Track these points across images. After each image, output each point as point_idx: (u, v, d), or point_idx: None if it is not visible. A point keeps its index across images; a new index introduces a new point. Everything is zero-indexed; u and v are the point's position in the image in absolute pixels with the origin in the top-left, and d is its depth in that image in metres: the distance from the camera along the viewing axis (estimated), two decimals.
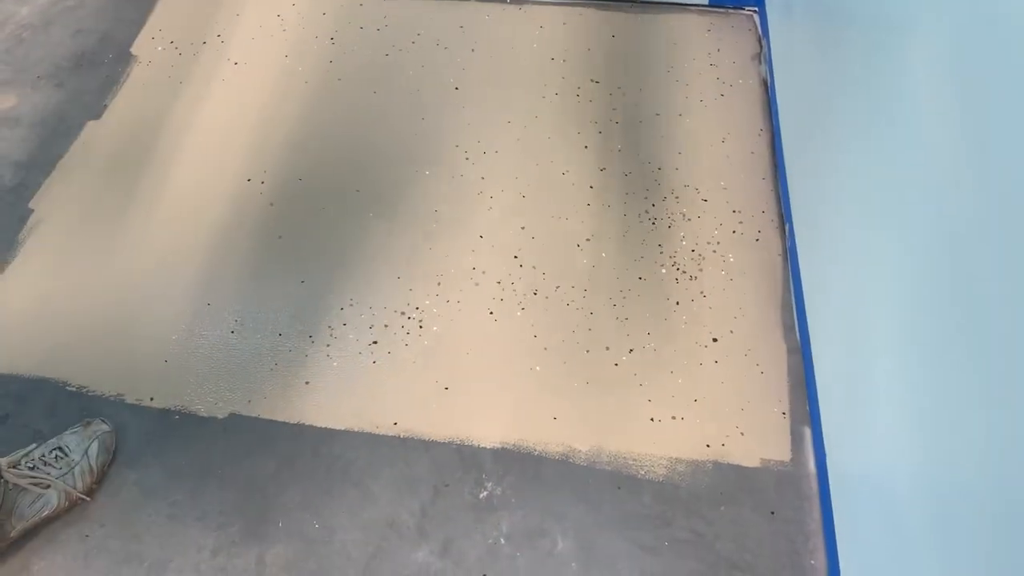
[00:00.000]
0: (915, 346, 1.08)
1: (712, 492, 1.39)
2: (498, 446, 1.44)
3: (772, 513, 1.37)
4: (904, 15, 1.20)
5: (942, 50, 1.06)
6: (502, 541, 1.35)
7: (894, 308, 1.16)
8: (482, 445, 1.44)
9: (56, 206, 1.76)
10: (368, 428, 1.46)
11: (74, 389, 1.51)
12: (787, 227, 1.68)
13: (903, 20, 1.20)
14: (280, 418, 1.48)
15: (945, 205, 1.02)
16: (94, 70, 2.02)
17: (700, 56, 2.05)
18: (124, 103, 1.95)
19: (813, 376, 1.46)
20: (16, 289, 1.64)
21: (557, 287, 1.63)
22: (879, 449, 1.19)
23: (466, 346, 1.56)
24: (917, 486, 1.05)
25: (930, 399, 1.03)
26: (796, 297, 1.58)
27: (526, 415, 1.48)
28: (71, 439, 1.39)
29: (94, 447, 1.39)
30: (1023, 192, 0.81)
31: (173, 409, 1.49)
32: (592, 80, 1.99)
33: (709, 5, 2.15)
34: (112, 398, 1.50)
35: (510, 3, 2.18)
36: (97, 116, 1.92)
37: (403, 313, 1.60)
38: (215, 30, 2.11)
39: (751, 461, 1.42)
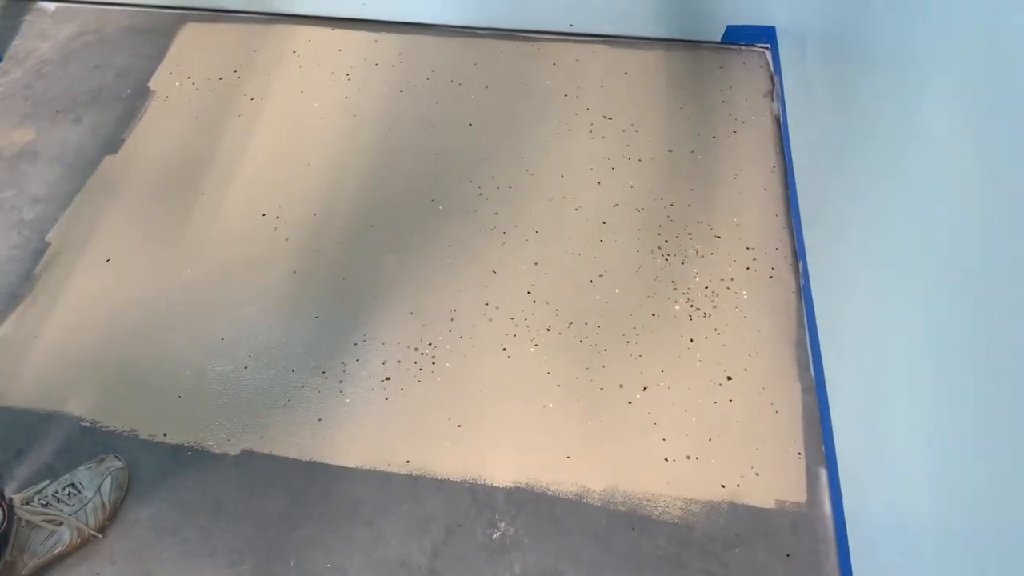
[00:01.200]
0: (935, 387, 1.07)
1: (727, 534, 1.38)
2: (511, 485, 1.43)
3: (788, 556, 1.36)
4: (920, 55, 1.20)
5: (958, 89, 1.06)
6: None
7: (913, 348, 1.15)
8: (495, 484, 1.44)
9: (73, 240, 1.77)
10: (380, 466, 1.46)
11: (88, 424, 1.51)
12: (801, 264, 1.68)
13: (919, 60, 1.21)
14: (292, 455, 1.47)
15: (963, 243, 1.01)
16: (112, 105, 2.04)
17: (712, 93, 2.06)
18: (141, 138, 1.97)
19: (829, 416, 1.45)
20: (31, 323, 1.64)
21: (570, 323, 1.63)
22: (899, 492, 1.17)
23: (479, 383, 1.56)
24: (938, 531, 1.04)
25: (951, 441, 1.02)
26: (811, 335, 1.58)
27: (539, 454, 1.47)
28: (84, 475, 1.39)
29: (107, 484, 1.39)
30: None
31: (186, 445, 1.49)
32: (605, 116, 2.00)
33: (721, 42, 2.17)
34: (126, 433, 1.50)
35: (523, 40, 2.20)
36: (114, 151, 1.94)
37: (416, 349, 1.60)
38: (231, 66, 2.13)
39: (766, 502, 1.41)
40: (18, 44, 2.20)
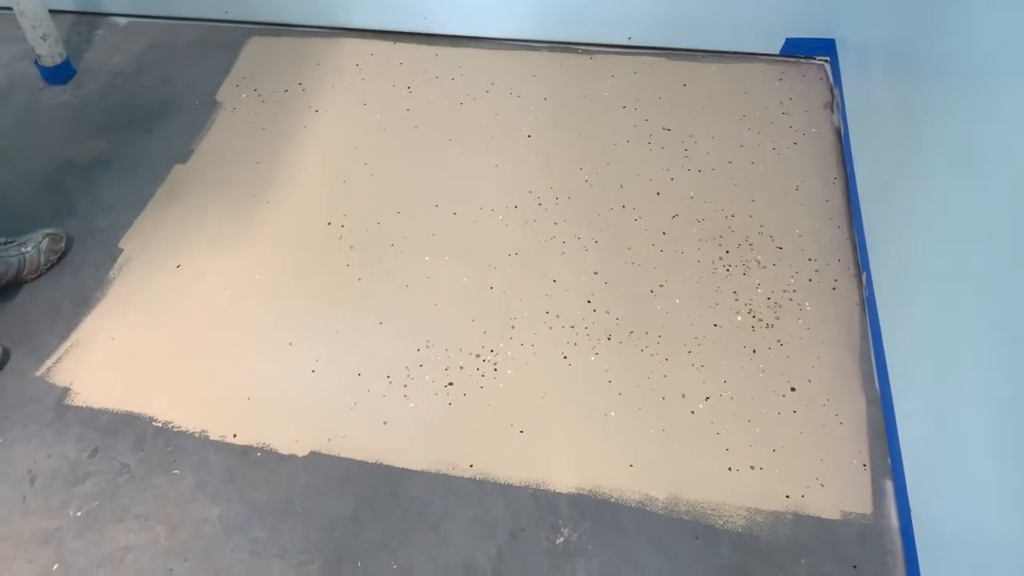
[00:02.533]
0: (1010, 400, 1.06)
1: (792, 544, 1.37)
2: (574, 492, 1.44)
3: (854, 567, 1.34)
4: (994, 65, 1.20)
5: None
6: None
7: (986, 362, 1.14)
8: (558, 490, 1.44)
9: (144, 246, 1.83)
10: (445, 470, 1.48)
11: (160, 425, 1.55)
12: (864, 276, 1.67)
13: (993, 70, 1.20)
14: (359, 457, 1.50)
15: None
16: (181, 116, 2.10)
17: (772, 104, 2.06)
18: (209, 148, 2.03)
19: (895, 428, 1.44)
20: (106, 326, 1.69)
21: (631, 332, 1.64)
22: (971, 505, 1.16)
23: (540, 389, 1.57)
24: (1012, 545, 1.02)
25: (1019, 459, 1.00)
26: (875, 347, 1.56)
27: (601, 461, 1.47)
28: (28, 236, 1.76)
29: (45, 242, 1.76)
30: None
31: (255, 446, 1.52)
32: (664, 128, 2.02)
33: (779, 54, 2.17)
34: (197, 434, 1.54)
35: (581, 53, 2.22)
36: (184, 160, 2.00)
37: (478, 355, 1.62)
38: (296, 79, 2.19)
39: (831, 513, 1.40)
40: (91, 58, 2.28)
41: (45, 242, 1.76)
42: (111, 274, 1.78)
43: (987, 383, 1.12)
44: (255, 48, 2.29)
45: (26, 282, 1.77)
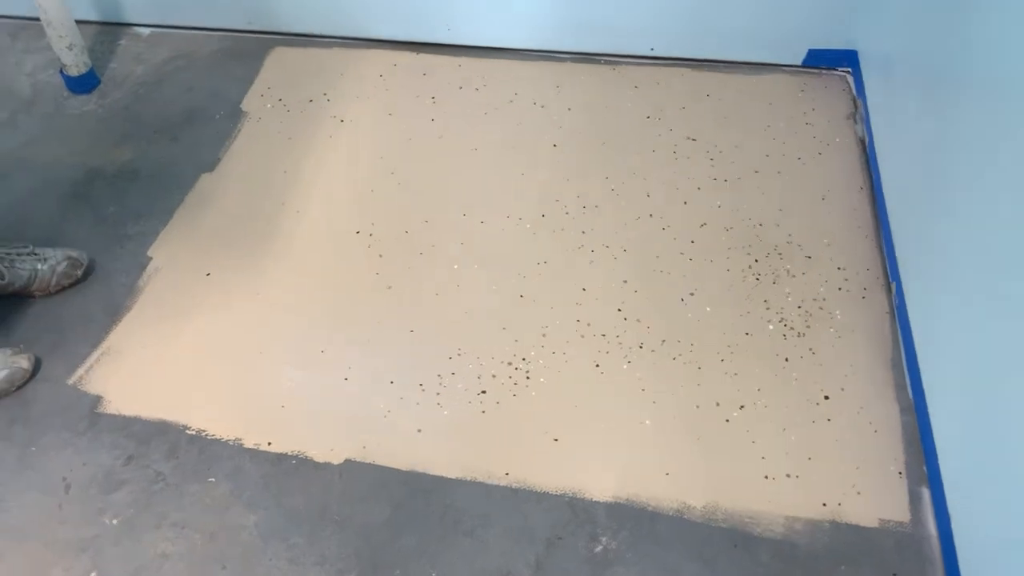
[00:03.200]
0: None
1: (831, 552, 1.37)
2: (611, 500, 1.44)
3: (894, 575, 1.34)
4: (1018, 76, 1.21)
5: None
6: None
7: (1021, 365, 1.15)
8: (595, 499, 1.44)
9: (173, 254, 1.83)
10: (480, 477, 1.47)
11: (194, 433, 1.55)
12: (894, 285, 1.67)
13: (1018, 81, 1.22)
14: (394, 465, 1.49)
15: None
16: (206, 125, 2.11)
17: (795, 115, 2.07)
18: (236, 157, 2.04)
19: (931, 436, 1.44)
20: (137, 334, 1.70)
21: (663, 341, 1.64)
22: (1012, 512, 1.16)
23: (573, 398, 1.57)
24: None
25: None
26: (907, 355, 1.57)
27: (638, 469, 1.48)
28: (49, 252, 1.75)
29: (63, 265, 1.74)
30: None
31: (290, 454, 1.52)
32: (689, 138, 2.03)
33: (802, 65, 2.18)
34: (231, 442, 1.53)
35: (604, 64, 2.24)
36: (211, 169, 2.01)
37: (510, 363, 1.62)
38: (321, 88, 2.20)
39: (869, 521, 1.40)
40: (115, 67, 2.29)
41: (64, 265, 1.75)
42: (140, 282, 1.78)
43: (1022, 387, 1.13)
44: (278, 58, 2.30)
45: (33, 297, 1.76)
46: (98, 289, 1.77)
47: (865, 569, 1.35)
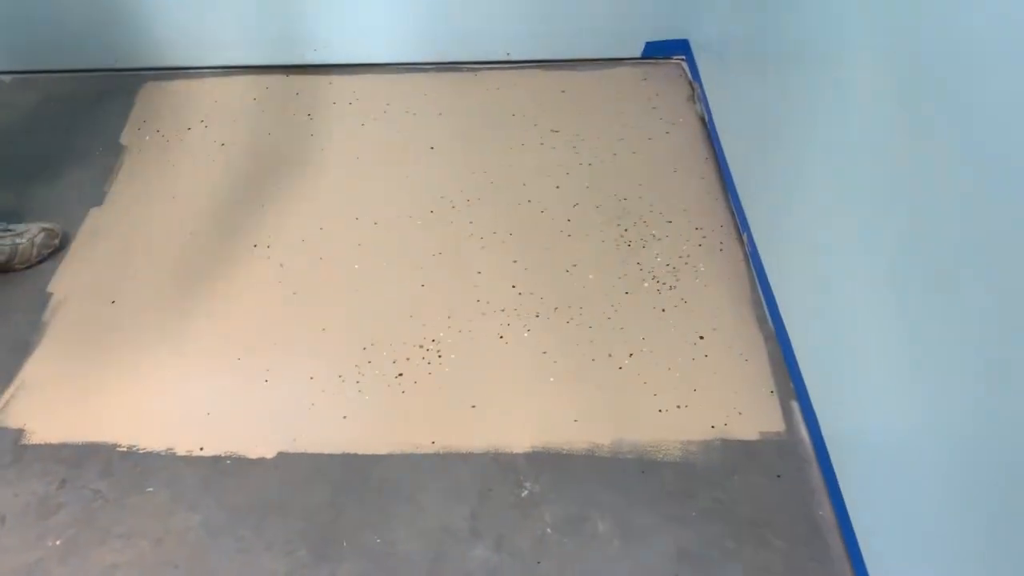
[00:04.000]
0: (880, 312, 1.29)
1: (724, 465, 1.58)
2: (529, 450, 1.60)
3: (778, 476, 1.56)
4: (830, 45, 1.46)
5: (864, 60, 1.31)
6: (549, 531, 1.49)
7: (854, 283, 1.38)
8: (515, 451, 1.60)
9: (74, 287, 1.86)
10: (409, 449, 1.60)
11: (125, 449, 1.60)
12: (745, 236, 1.92)
13: (830, 48, 1.47)
14: (326, 451, 1.60)
15: (880, 184, 1.25)
16: (88, 162, 2.14)
17: (641, 101, 2.31)
18: (122, 188, 2.08)
19: (793, 356, 1.68)
20: (50, 366, 1.72)
21: (555, 308, 1.82)
22: (863, 405, 1.39)
23: (484, 368, 1.72)
24: (904, 429, 1.24)
25: (903, 356, 1.23)
26: (764, 292, 1.81)
27: (549, 421, 1.64)
28: (23, 227, 1.86)
29: (40, 236, 1.85)
30: (952, 163, 1.04)
31: (224, 455, 1.59)
32: (552, 130, 2.23)
33: (642, 57, 2.43)
34: (163, 452, 1.59)
35: (466, 71, 2.41)
36: (99, 203, 2.04)
37: (421, 346, 1.76)
38: (197, 117, 2.26)
39: (752, 435, 1.62)
40: None
41: (41, 236, 1.86)
42: (45, 317, 1.81)
43: (861, 303, 1.36)
44: (151, 93, 2.35)
45: (15, 271, 1.86)
46: (1, 331, 1.78)
47: (754, 475, 1.56)
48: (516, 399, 1.67)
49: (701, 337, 1.77)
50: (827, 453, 1.54)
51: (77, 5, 2.22)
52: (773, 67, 1.75)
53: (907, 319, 1.21)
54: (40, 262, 1.89)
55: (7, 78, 2.38)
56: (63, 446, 1.60)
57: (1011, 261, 0.95)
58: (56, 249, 1.91)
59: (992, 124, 0.98)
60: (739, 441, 1.61)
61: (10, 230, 1.86)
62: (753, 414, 1.65)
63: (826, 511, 1.51)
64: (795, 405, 1.66)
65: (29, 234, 1.86)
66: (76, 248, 1.94)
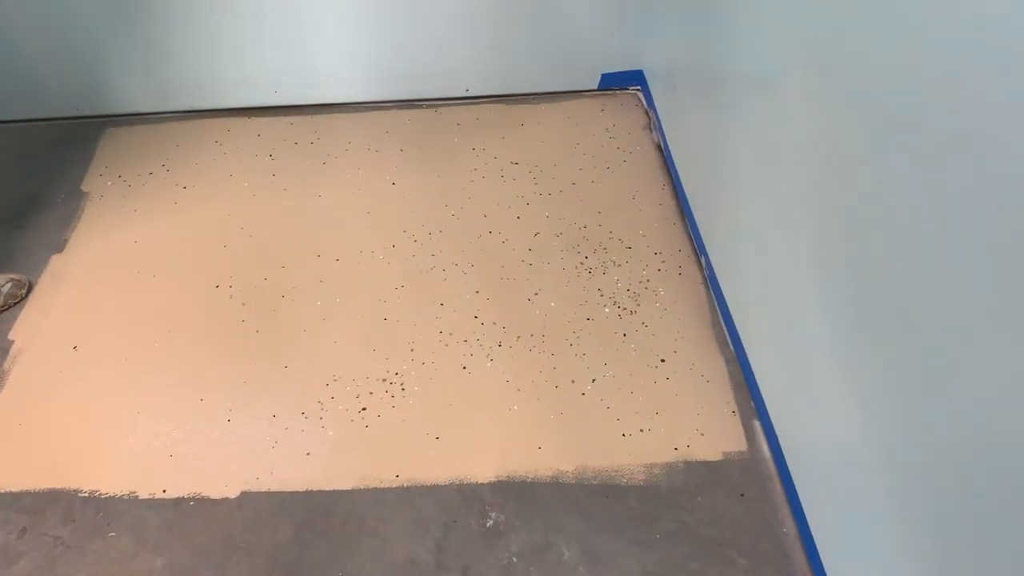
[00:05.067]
0: (835, 333, 1.31)
1: (687, 487, 1.59)
2: (494, 480, 1.60)
3: (742, 495, 1.57)
4: (767, 70, 1.50)
5: (801, 88, 1.35)
6: (514, 560, 1.49)
7: (807, 304, 1.41)
8: (480, 481, 1.60)
9: (35, 334, 1.86)
10: (373, 484, 1.60)
11: (86, 495, 1.59)
12: (703, 259, 1.95)
13: (767, 73, 1.51)
14: (289, 488, 1.59)
15: (829, 206, 1.28)
16: (50, 209, 2.14)
17: (599, 132, 2.35)
18: (84, 234, 2.08)
19: (753, 377, 1.69)
20: (10, 414, 1.71)
21: (518, 337, 1.83)
22: (822, 424, 1.41)
23: (448, 399, 1.73)
24: (861, 447, 1.25)
25: (858, 372, 1.25)
26: (723, 315, 1.83)
27: (513, 449, 1.64)
28: None
29: (8, 287, 1.90)
30: (895, 182, 1.08)
31: (187, 496, 1.58)
32: (512, 162, 2.26)
33: (598, 89, 2.48)
34: (126, 496, 1.58)
35: (427, 107, 2.45)
36: (60, 249, 2.04)
37: (384, 380, 1.76)
38: (159, 161, 2.28)
39: (714, 455, 1.63)
40: None
41: (8, 286, 1.92)
42: (5, 365, 1.80)
43: (816, 324, 1.39)
44: (112, 139, 2.36)
45: None
46: None
47: (718, 495, 1.57)
48: (480, 429, 1.68)
49: (663, 360, 1.79)
50: (788, 471, 1.55)
51: (39, 55, 2.24)
52: (719, 93, 1.79)
53: (862, 339, 1.23)
54: (4, 310, 1.89)
55: None
56: (23, 494, 1.59)
57: (959, 279, 0.97)
58: (21, 299, 1.92)
59: (933, 140, 1.01)
60: (703, 462, 1.62)
61: None
62: (715, 435, 1.66)
63: (789, 528, 1.52)
64: (757, 424, 1.67)
65: None
66: (38, 294, 1.94)
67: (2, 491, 1.59)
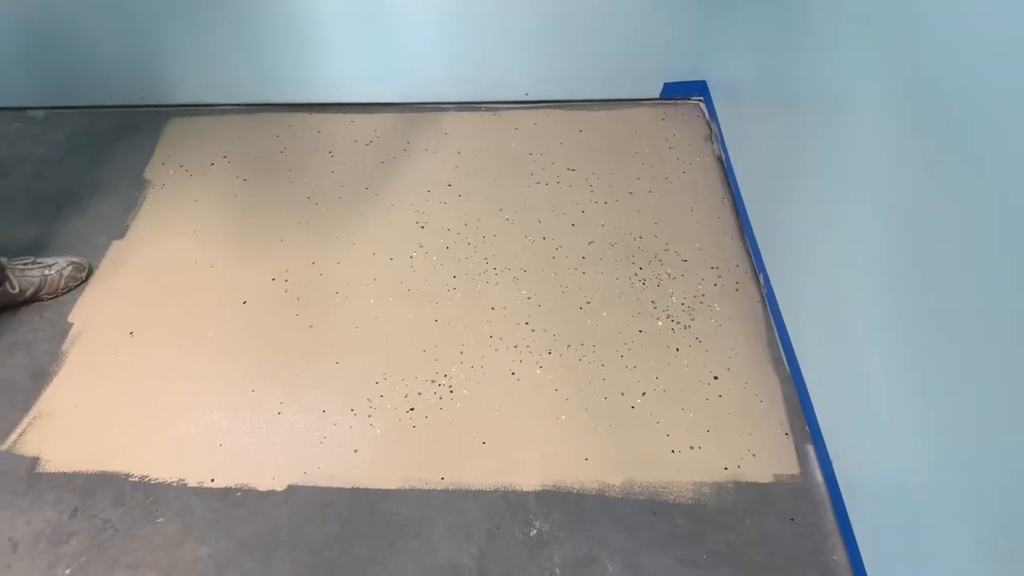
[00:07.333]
0: (895, 358, 1.28)
1: (736, 508, 1.55)
2: (539, 488, 1.59)
3: (792, 520, 1.54)
4: (838, 88, 1.47)
5: (874, 107, 1.31)
6: (557, 571, 1.47)
7: (869, 330, 1.37)
8: (525, 490, 1.59)
9: (93, 317, 1.89)
10: (418, 485, 1.59)
11: (137, 479, 1.61)
12: (761, 276, 1.91)
13: (838, 91, 1.47)
14: (336, 485, 1.60)
15: (892, 230, 1.25)
16: (112, 196, 2.18)
17: (659, 141, 2.33)
18: (144, 222, 2.11)
19: (809, 400, 1.66)
20: (66, 396, 1.74)
21: (568, 346, 1.82)
22: (878, 449, 1.37)
23: (495, 404, 1.72)
24: (920, 480, 1.22)
25: (917, 400, 1.22)
26: (780, 334, 1.80)
27: (559, 459, 1.63)
28: (52, 260, 1.94)
29: (68, 269, 1.93)
30: (964, 200, 1.04)
31: (234, 487, 1.59)
32: (569, 169, 2.24)
33: (660, 98, 2.45)
34: (175, 483, 1.60)
35: (485, 110, 2.44)
36: (121, 236, 2.08)
37: (433, 381, 1.76)
38: (220, 152, 2.31)
39: (765, 478, 1.60)
40: (12, 150, 2.33)
41: (69, 269, 1.94)
42: (64, 347, 1.83)
43: (880, 346, 1.35)
44: (176, 128, 2.40)
45: (42, 301, 1.93)
46: (21, 359, 1.81)
47: (767, 518, 1.54)
48: (527, 436, 1.66)
49: (716, 377, 1.76)
50: (841, 497, 1.51)
51: (107, 44, 2.28)
52: (787, 108, 1.76)
53: (923, 365, 1.19)
54: (65, 293, 1.92)
55: (39, 113, 2.44)
56: (76, 475, 1.61)
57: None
58: (82, 282, 1.96)
59: (1006, 161, 0.98)
60: (753, 484, 1.59)
61: (39, 263, 1.91)
62: (767, 456, 1.63)
63: (839, 555, 1.48)
64: (810, 448, 1.64)
65: (57, 267, 1.92)
66: (97, 280, 1.97)
67: (56, 471, 1.62)
